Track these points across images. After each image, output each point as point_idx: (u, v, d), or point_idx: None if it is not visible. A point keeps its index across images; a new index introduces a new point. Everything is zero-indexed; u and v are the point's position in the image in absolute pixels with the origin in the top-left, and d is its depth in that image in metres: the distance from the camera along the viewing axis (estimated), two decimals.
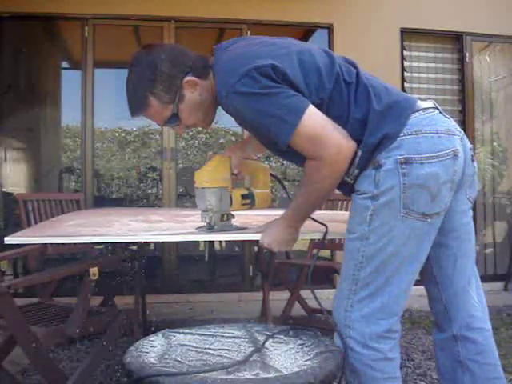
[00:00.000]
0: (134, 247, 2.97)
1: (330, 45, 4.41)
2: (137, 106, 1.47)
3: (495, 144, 5.01)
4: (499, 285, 4.57)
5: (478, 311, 1.54)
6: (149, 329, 2.96)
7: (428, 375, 2.53)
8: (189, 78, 1.44)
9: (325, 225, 1.56)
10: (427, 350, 2.87)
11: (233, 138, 5.25)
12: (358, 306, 1.40)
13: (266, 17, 4.32)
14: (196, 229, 1.64)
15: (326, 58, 1.43)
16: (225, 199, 1.56)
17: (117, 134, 5.30)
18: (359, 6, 4.46)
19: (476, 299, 1.55)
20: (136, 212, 2.83)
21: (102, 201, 4.75)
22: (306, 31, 4.70)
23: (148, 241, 2.71)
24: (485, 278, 4.30)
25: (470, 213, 1.55)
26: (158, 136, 4.71)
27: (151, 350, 1.30)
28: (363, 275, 1.40)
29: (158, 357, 1.26)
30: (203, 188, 1.54)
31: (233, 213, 1.62)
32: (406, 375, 2.53)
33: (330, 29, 4.45)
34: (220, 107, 1.49)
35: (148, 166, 5.03)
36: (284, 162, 5.13)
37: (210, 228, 1.57)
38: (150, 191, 5.03)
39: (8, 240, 1.47)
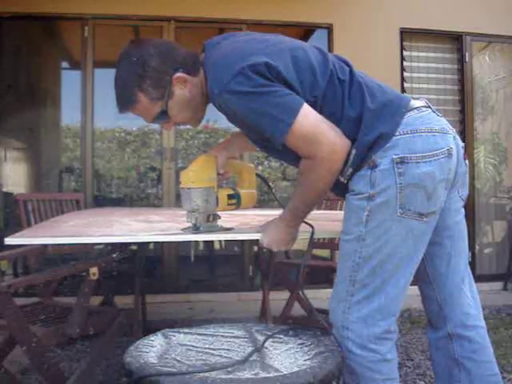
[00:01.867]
0: (134, 247, 2.97)
1: (330, 45, 4.42)
2: (125, 101, 1.43)
3: (495, 144, 5.01)
4: (499, 284, 4.58)
5: (472, 309, 1.54)
6: (149, 329, 2.97)
7: (427, 375, 2.53)
8: (179, 74, 1.40)
9: (311, 225, 1.54)
10: (427, 349, 2.86)
11: None
12: (355, 308, 1.40)
13: (266, 17, 4.32)
14: (181, 230, 1.61)
15: (319, 56, 1.41)
16: (211, 199, 1.53)
17: (117, 134, 5.28)
18: (359, 6, 4.47)
19: (470, 297, 1.55)
20: (136, 212, 2.83)
21: (102, 201, 4.75)
22: (305, 31, 4.70)
23: (147, 241, 2.71)
24: (484, 278, 4.36)
25: (463, 211, 1.55)
26: (157, 136, 4.70)
27: (151, 349, 1.30)
28: (360, 276, 1.39)
29: (158, 356, 1.26)
30: (189, 188, 1.51)
31: (219, 213, 1.59)
32: (405, 375, 2.53)
33: (329, 29, 4.46)
34: (211, 104, 1.45)
35: (148, 165, 5.02)
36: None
37: (195, 229, 1.54)
38: (149, 191, 5.02)
39: (8, 241, 1.46)
